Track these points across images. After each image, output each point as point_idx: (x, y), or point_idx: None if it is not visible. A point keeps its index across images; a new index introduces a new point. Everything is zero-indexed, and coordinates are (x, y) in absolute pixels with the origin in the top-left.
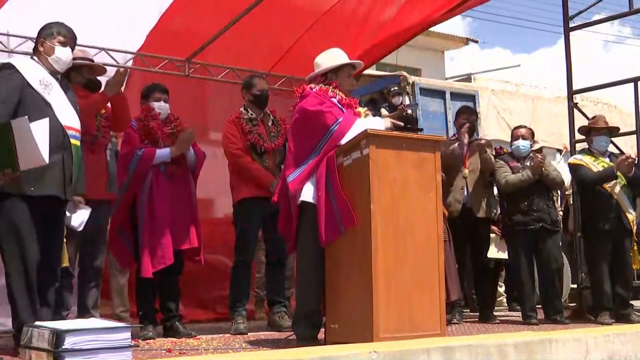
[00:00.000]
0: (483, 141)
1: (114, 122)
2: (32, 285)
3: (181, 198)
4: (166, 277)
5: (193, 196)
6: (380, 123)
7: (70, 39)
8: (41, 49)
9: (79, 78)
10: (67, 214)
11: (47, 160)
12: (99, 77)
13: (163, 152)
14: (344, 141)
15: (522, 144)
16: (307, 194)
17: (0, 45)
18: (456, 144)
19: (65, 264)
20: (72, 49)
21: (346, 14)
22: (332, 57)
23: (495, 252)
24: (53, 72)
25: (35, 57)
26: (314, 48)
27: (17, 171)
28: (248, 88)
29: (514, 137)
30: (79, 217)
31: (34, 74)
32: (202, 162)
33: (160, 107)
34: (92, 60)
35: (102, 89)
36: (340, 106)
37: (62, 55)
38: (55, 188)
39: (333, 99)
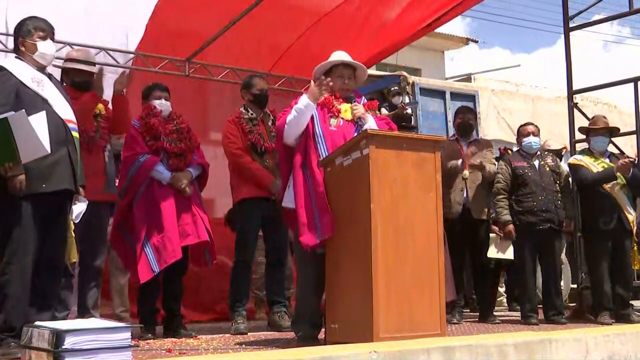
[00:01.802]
0: (478, 161)
1: (114, 123)
2: (27, 286)
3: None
4: (170, 276)
5: (197, 191)
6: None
7: (49, 31)
8: (23, 48)
9: (68, 80)
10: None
11: (49, 149)
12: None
13: (164, 173)
14: (287, 139)
15: (534, 141)
16: (287, 199)
17: (0, 45)
18: (459, 162)
19: (75, 258)
20: (53, 40)
21: (347, 14)
22: (329, 59)
23: (495, 252)
24: (40, 68)
25: (19, 57)
26: (314, 48)
27: (19, 162)
28: (248, 88)
29: (523, 134)
30: (77, 209)
31: (25, 72)
32: (206, 176)
33: (161, 104)
34: (93, 64)
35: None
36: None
37: (46, 49)
38: (67, 182)
39: None
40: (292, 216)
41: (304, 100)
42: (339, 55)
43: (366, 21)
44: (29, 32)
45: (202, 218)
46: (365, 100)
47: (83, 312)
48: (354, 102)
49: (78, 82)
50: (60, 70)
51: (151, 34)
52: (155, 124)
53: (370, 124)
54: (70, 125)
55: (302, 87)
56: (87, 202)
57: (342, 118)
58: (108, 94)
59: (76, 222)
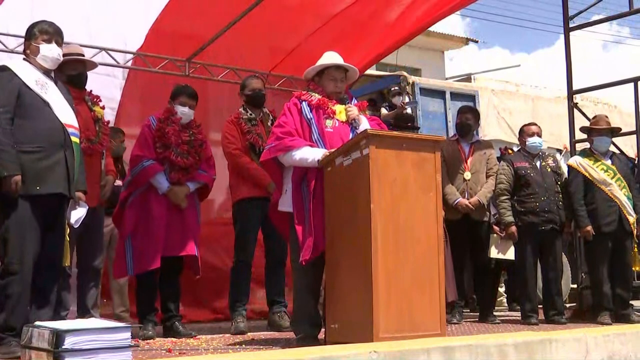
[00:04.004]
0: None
1: None
2: (28, 285)
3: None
4: (166, 277)
5: (195, 203)
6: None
7: (53, 34)
8: (28, 51)
9: (62, 77)
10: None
11: None
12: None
13: (162, 183)
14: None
15: (539, 141)
16: (286, 203)
17: (0, 45)
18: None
19: (68, 263)
20: (59, 43)
21: (349, 15)
22: (319, 61)
23: (495, 252)
24: (46, 72)
25: (27, 59)
26: (314, 49)
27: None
28: (242, 89)
29: (528, 134)
30: (77, 214)
31: (30, 74)
32: (209, 190)
33: (183, 112)
34: (83, 55)
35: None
36: (308, 111)
37: (48, 52)
38: (61, 186)
39: (304, 102)
40: (288, 219)
41: (315, 156)
42: (331, 57)
43: (368, 22)
44: (33, 35)
45: (193, 232)
46: (356, 101)
47: (83, 312)
48: (348, 103)
49: (73, 75)
50: None
51: (152, 34)
52: (169, 133)
53: (364, 125)
54: (71, 130)
55: (302, 87)
56: (87, 207)
57: (337, 119)
58: (104, 93)
59: (76, 227)
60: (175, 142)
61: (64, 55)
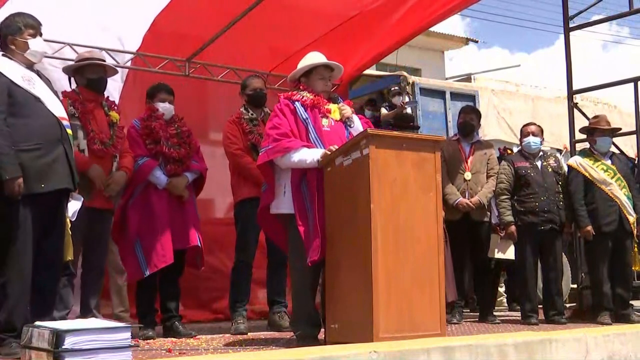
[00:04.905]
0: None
1: None
2: (27, 285)
3: (180, 199)
4: (166, 277)
5: (192, 195)
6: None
7: (38, 27)
8: (12, 46)
9: (82, 80)
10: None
11: None
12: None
13: (160, 177)
14: (277, 163)
15: (533, 141)
16: (284, 205)
17: None
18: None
19: (71, 257)
20: (41, 35)
21: (351, 17)
22: (303, 61)
23: (496, 252)
24: (29, 66)
25: (7, 55)
26: (314, 49)
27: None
28: (243, 89)
29: (524, 134)
30: (72, 207)
31: (15, 71)
32: (204, 181)
33: (165, 108)
34: (104, 60)
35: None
36: (302, 111)
37: (37, 47)
38: (65, 181)
39: (297, 103)
40: (284, 221)
41: (314, 157)
42: (317, 57)
43: (368, 22)
44: (19, 30)
45: (194, 223)
46: (342, 101)
47: (85, 313)
48: (340, 102)
49: (94, 79)
50: (47, 71)
51: (149, 36)
52: (156, 128)
53: (357, 124)
54: (64, 122)
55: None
56: (82, 199)
57: (332, 118)
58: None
59: (72, 220)
60: (165, 136)
61: (85, 59)
